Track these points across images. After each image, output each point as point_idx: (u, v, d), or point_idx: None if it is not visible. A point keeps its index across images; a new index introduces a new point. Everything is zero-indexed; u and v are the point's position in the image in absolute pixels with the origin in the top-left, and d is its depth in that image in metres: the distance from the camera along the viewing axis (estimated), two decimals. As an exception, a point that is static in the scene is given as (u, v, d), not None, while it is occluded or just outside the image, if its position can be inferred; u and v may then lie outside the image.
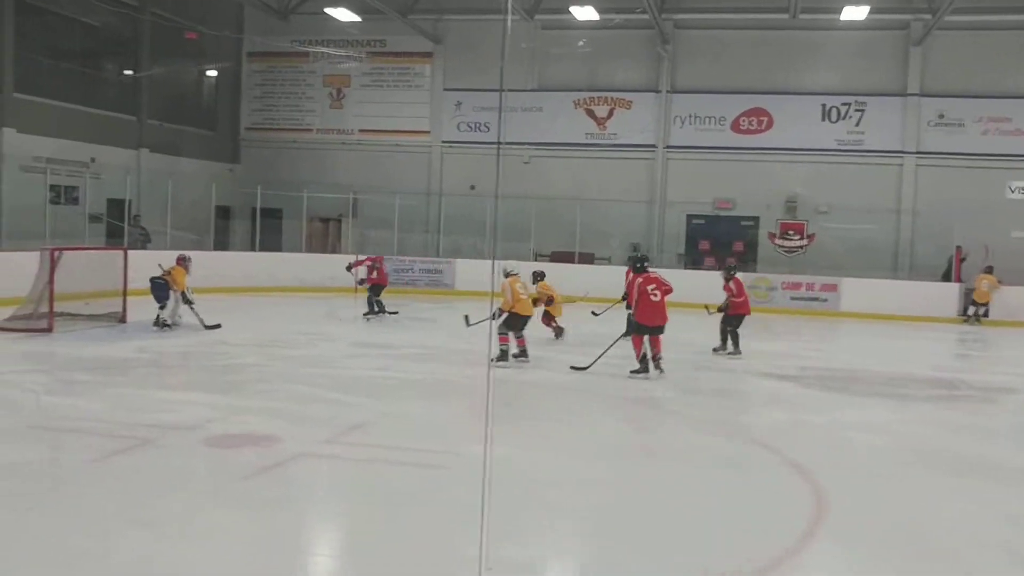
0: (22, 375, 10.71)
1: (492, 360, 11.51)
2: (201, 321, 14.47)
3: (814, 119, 24.51)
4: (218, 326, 14.52)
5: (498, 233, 23.24)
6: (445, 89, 26.80)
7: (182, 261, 14.92)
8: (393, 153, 27.10)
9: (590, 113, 25.87)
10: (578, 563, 5.49)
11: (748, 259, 24.69)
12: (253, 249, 24.18)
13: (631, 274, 12.18)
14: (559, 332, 14.97)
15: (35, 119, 20.84)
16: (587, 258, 24.34)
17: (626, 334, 11.98)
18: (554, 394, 10.84)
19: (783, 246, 24.76)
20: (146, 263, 15.49)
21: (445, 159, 26.83)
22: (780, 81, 24.67)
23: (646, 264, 12.19)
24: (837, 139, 24.44)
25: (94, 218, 21.84)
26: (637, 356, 11.63)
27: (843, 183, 24.07)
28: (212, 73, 28.58)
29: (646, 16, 22.85)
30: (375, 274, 17.45)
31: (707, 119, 25.16)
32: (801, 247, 24.66)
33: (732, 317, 14.23)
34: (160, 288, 14.49)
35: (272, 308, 14.68)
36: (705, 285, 22.56)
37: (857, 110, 24.34)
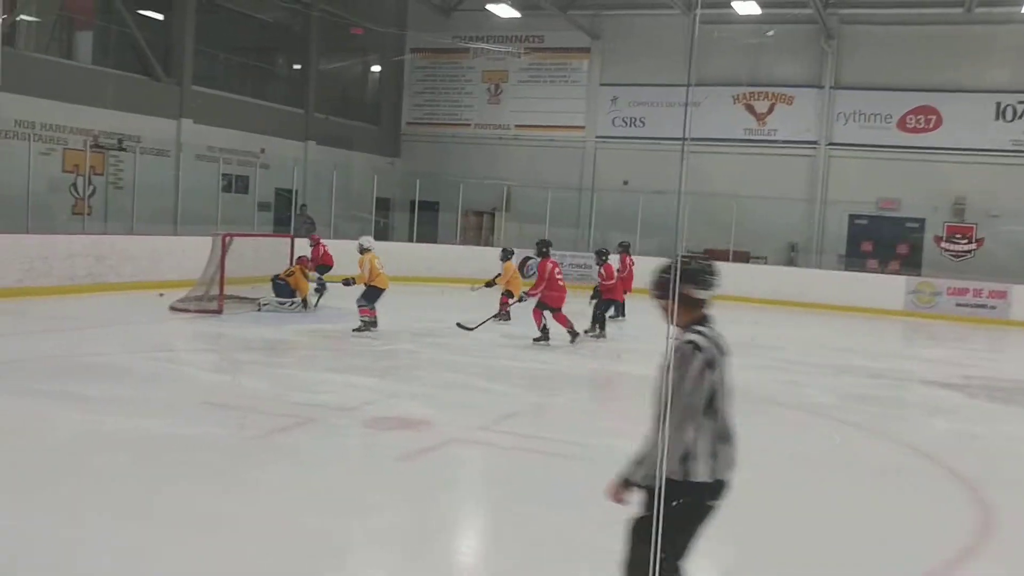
0: (194, 354, 11.31)
1: (353, 331, 13.17)
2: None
3: (987, 118, 23.28)
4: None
5: (647, 228, 23.17)
6: (601, 84, 26.77)
7: (305, 262, 15.71)
8: (547, 148, 27.25)
9: (749, 108, 25.36)
10: (728, 569, 5.40)
11: (912, 262, 23.71)
12: (411, 240, 24.79)
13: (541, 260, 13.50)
14: (506, 316, 14.78)
15: (210, 111, 21.94)
16: (742, 256, 23.89)
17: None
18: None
19: (950, 250, 23.65)
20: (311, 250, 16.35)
21: (599, 154, 26.82)
22: (950, 78, 23.51)
23: (549, 250, 13.67)
24: (1012, 139, 23.14)
25: (262, 206, 22.84)
26: (538, 326, 13.13)
27: (1017, 185, 22.75)
28: (376, 68, 29.43)
29: (810, 11, 22.23)
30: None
31: (872, 116, 24.26)
32: (969, 251, 23.51)
33: (604, 301, 14.57)
34: (283, 289, 15.29)
35: (427, 297, 15.05)
36: (868, 288, 21.92)
37: (1036, 109, 23.02)
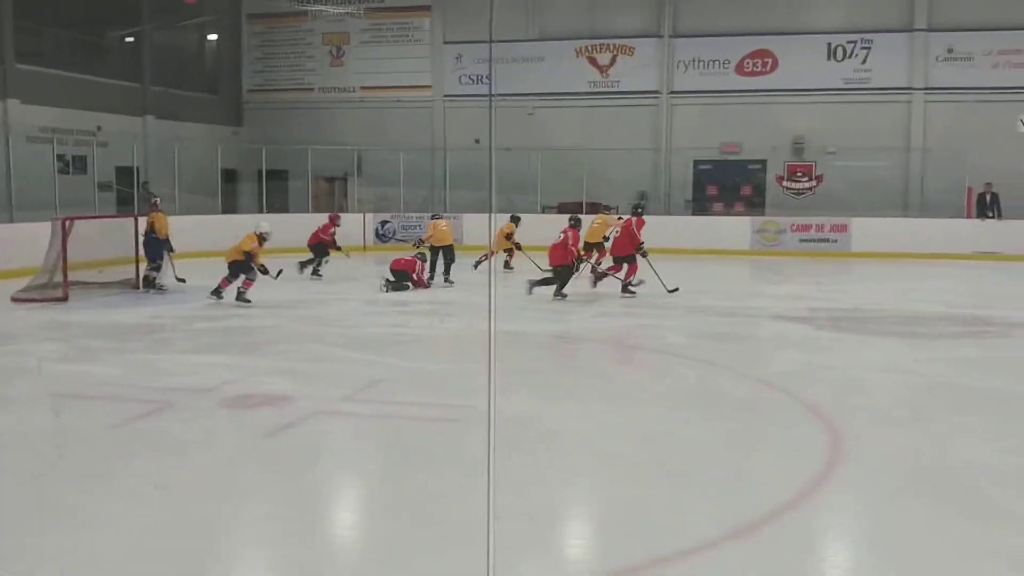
0: (40, 344, 10.80)
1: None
2: (173, 270, 15.23)
3: (819, 58, 24.26)
4: (183, 280, 15.15)
5: (500, 186, 23.25)
6: (445, 42, 26.60)
7: (155, 206, 15.53)
8: (395, 109, 26.97)
9: (592, 61, 25.67)
10: (590, 513, 5.55)
11: (756, 203, 24.60)
12: (260, 211, 24.16)
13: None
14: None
15: (38, 89, 20.88)
16: (595, 208, 24.27)
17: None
18: (566, 345, 10.89)
19: (791, 188, 24.65)
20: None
21: (448, 113, 26.70)
22: (784, 21, 24.37)
23: None
24: (844, 78, 24.19)
25: (103, 186, 21.91)
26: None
27: (851, 122, 23.83)
28: (213, 37, 28.48)
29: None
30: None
31: (711, 63, 24.94)
32: (810, 188, 24.55)
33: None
34: (153, 245, 15.03)
35: (283, 269, 14.86)
36: (715, 230, 22.65)
37: (863, 48, 24.07)
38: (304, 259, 17.20)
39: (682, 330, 11.59)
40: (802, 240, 22.31)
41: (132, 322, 12.26)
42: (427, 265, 15.89)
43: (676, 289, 14.35)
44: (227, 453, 6.50)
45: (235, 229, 21.24)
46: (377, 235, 23.90)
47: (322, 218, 18.47)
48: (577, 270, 14.41)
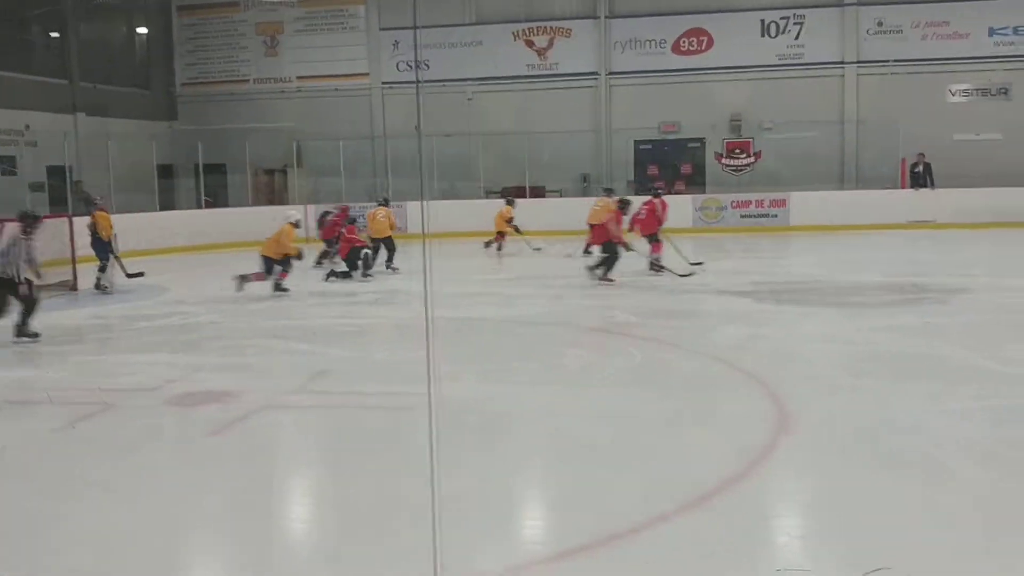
0: (-25, 350, 10.52)
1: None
2: (124, 269, 14.62)
3: (754, 35, 24.49)
4: (141, 274, 14.72)
5: (442, 172, 23.18)
6: (381, 29, 26.37)
7: (95, 205, 15.13)
8: (333, 98, 26.69)
9: (530, 44, 25.64)
10: (542, 492, 5.56)
11: (697, 180, 24.79)
12: (199, 206, 23.81)
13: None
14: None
15: (-39, 88, 20.33)
16: (538, 192, 24.31)
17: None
18: (514, 328, 10.89)
19: (730, 165, 24.89)
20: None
21: (387, 100, 26.49)
22: (718, -1, 24.60)
23: None
24: (778, 54, 24.47)
25: (35, 186, 21.40)
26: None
27: (786, 98, 24.14)
28: (142, 30, 27.92)
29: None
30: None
31: (647, 43, 25.05)
32: (748, 165, 24.80)
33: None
34: (98, 245, 14.65)
35: (224, 264, 14.54)
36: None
37: (796, 23, 24.34)
38: (322, 252, 17.20)
39: (630, 309, 11.65)
40: (743, 216, 22.55)
41: (71, 324, 12.01)
42: (356, 227, 16.04)
43: (701, 263, 14.82)
44: (173, 452, 6.40)
45: (174, 225, 21.09)
46: (319, 226, 23.57)
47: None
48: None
